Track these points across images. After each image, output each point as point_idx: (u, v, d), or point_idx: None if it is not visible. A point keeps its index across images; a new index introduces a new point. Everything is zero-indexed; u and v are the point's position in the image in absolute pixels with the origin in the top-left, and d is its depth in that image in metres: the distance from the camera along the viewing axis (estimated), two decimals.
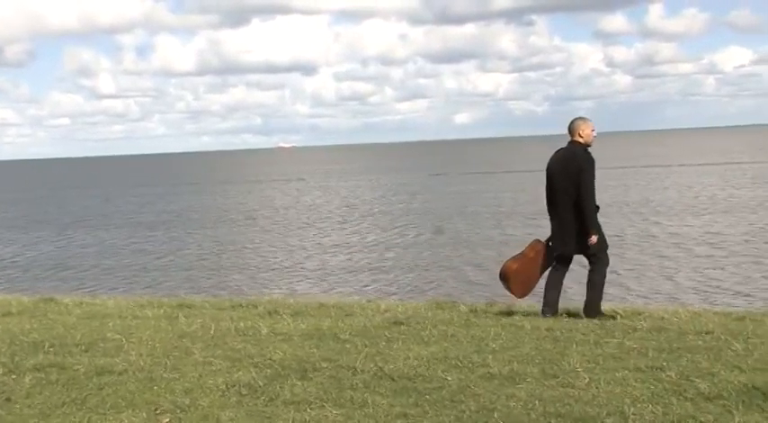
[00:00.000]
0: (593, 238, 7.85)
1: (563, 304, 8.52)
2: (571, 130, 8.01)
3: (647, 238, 24.64)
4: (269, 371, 6.21)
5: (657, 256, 21.30)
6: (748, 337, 7.06)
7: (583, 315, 8.07)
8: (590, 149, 8.17)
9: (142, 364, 6.52)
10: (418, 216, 35.05)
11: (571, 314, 8.52)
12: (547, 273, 8.26)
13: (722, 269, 19.00)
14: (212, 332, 7.76)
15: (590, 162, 7.84)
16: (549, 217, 8.19)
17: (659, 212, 31.56)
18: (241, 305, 9.68)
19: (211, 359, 6.64)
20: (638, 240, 24.15)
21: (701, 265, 19.62)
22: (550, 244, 8.13)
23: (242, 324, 8.14)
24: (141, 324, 8.37)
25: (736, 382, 5.47)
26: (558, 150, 8.17)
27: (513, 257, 8.24)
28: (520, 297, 8.38)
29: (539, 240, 8.22)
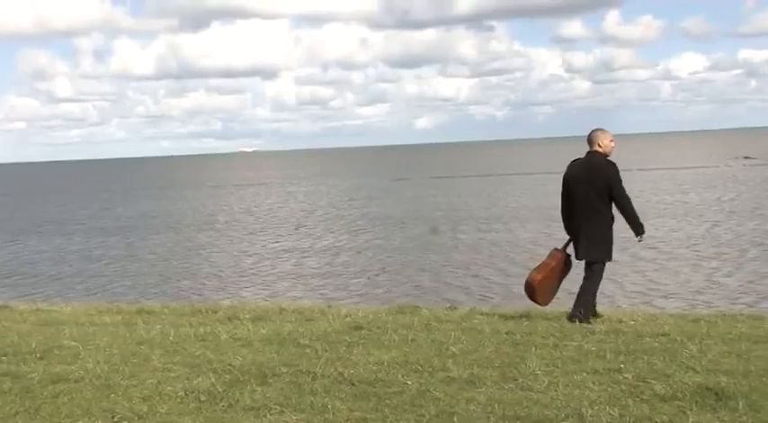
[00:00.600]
0: (640, 238, 8.07)
1: (548, 307, 8.60)
2: (590, 140, 8.16)
3: None
4: (228, 377, 6.16)
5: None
6: (702, 339, 7.19)
7: (572, 316, 8.18)
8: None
9: (99, 371, 6.42)
10: (380, 221, 35.07)
11: (531, 317, 8.60)
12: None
13: (669, 271, 19.29)
14: (171, 338, 7.68)
15: (616, 170, 8.02)
16: (565, 225, 8.35)
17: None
18: (201, 311, 9.60)
19: (170, 365, 6.57)
20: None
21: (648, 268, 19.89)
22: (569, 251, 8.30)
23: (201, 330, 8.07)
24: (99, 331, 8.25)
25: (690, 383, 5.57)
26: (576, 160, 8.31)
27: (536, 268, 8.32)
28: (544, 305, 8.51)
29: (557, 249, 8.33)
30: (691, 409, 5.10)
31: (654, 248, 22.66)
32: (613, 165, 8.07)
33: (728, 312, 9.82)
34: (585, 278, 8.27)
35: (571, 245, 8.37)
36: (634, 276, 18.74)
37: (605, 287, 17.65)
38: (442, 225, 31.66)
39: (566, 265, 8.34)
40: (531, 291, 8.30)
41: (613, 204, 8.11)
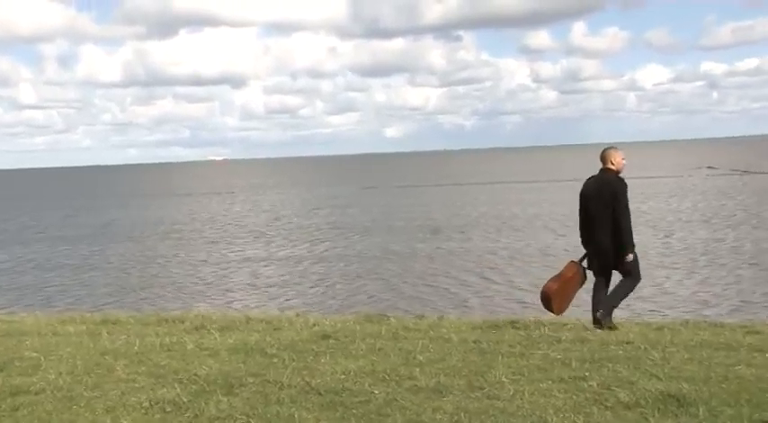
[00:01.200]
0: (630, 257, 8.40)
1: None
2: (603, 158, 8.61)
3: (565, 250, 25.21)
4: (194, 387, 6.11)
5: None
6: (666, 347, 7.30)
7: (597, 309, 8.48)
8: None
9: (61, 382, 6.32)
10: (347, 229, 35.04)
11: (498, 326, 8.65)
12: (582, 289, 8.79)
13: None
14: (136, 348, 7.60)
15: (623, 187, 8.43)
16: (582, 239, 8.70)
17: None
18: (167, 320, 9.51)
19: (135, 376, 6.49)
20: (558, 252, 24.67)
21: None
22: (584, 263, 8.63)
23: (167, 339, 7.99)
24: (62, 341, 8.13)
25: (653, 390, 5.65)
26: (591, 178, 8.71)
27: (553, 278, 8.61)
28: (558, 314, 8.73)
29: (574, 261, 8.66)
30: (653, 416, 5.16)
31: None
32: (622, 181, 8.50)
33: (692, 320, 9.97)
34: (623, 281, 8.57)
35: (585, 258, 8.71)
36: (587, 285, 18.94)
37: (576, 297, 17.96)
38: (416, 234, 31.71)
39: (581, 277, 8.66)
40: (547, 299, 8.56)
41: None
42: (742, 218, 31.86)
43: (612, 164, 8.55)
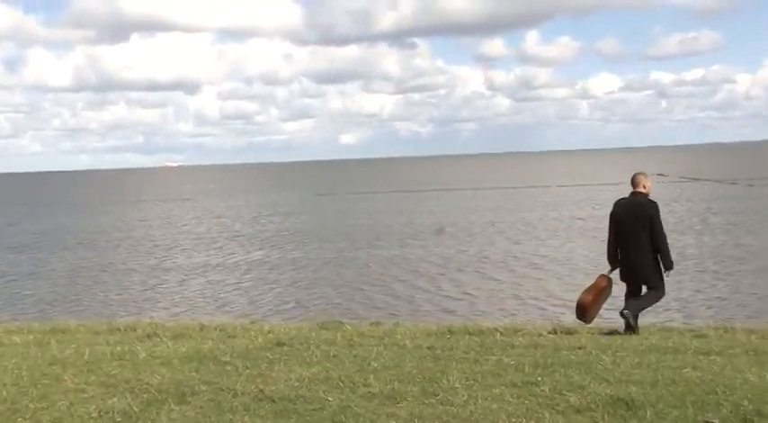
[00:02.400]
0: (667, 274, 9.08)
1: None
2: (635, 182, 9.36)
3: (515, 257, 25.46)
4: (146, 396, 6.03)
5: (513, 274, 22.03)
6: (616, 351, 7.43)
7: (625, 310, 8.91)
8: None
9: (5, 394, 6.18)
10: (304, 236, 34.91)
11: (453, 332, 8.72)
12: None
13: (567, 285, 19.76)
14: (86, 357, 7.46)
15: (657, 210, 9.15)
16: (609, 256, 9.31)
17: (529, 232, 32.69)
18: (119, 329, 9.38)
19: (84, 386, 6.38)
20: (512, 259, 24.91)
21: (550, 282, 20.38)
22: (611, 276, 9.25)
23: (119, 348, 7.88)
24: (7, 351, 7.95)
25: (603, 394, 5.74)
26: (622, 199, 9.38)
27: (586, 291, 9.21)
28: (589, 323, 9.28)
29: (604, 275, 9.28)
30: (603, 420, 5.25)
31: (559, 264, 23.28)
32: (655, 204, 9.19)
33: (641, 325, 10.15)
34: (649, 293, 9.18)
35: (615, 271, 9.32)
36: (536, 291, 19.20)
37: (510, 301, 18.16)
38: (371, 241, 31.72)
39: (610, 289, 9.27)
40: (583, 311, 9.13)
41: None
42: (690, 224, 32.53)
43: (644, 188, 9.27)
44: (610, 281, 9.24)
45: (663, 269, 9.01)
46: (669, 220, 34.95)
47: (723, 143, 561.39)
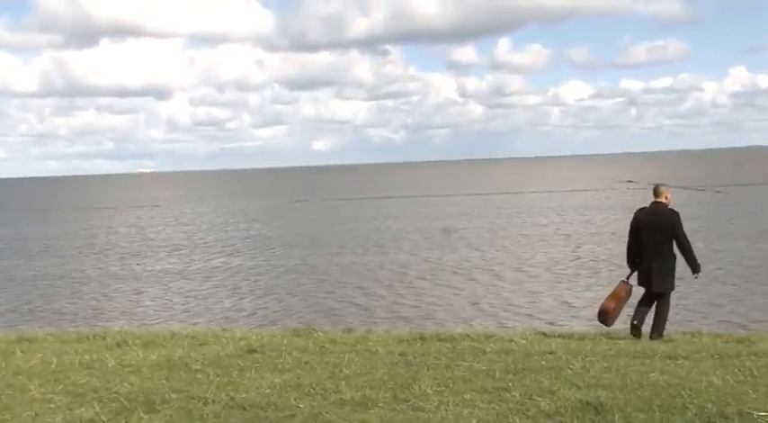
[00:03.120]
0: (696, 276, 9.59)
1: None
2: (657, 193, 9.82)
3: (483, 261, 25.59)
4: (114, 405, 5.97)
5: (471, 280, 22.16)
6: (586, 356, 7.50)
7: (651, 336, 9.32)
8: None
9: None
10: (277, 242, 34.78)
11: (425, 339, 8.74)
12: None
13: (523, 292, 19.91)
14: (53, 367, 7.37)
15: (679, 219, 9.60)
16: (629, 261, 9.80)
17: (508, 238, 32.86)
18: (87, 337, 9.28)
19: (50, 396, 6.30)
20: (480, 266, 25.03)
21: (505, 288, 20.51)
22: (630, 282, 9.74)
23: (87, 357, 7.79)
24: None
25: (573, 399, 5.80)
26: (643, 209, 9.84)
27: (609, 298, 9.76)
28: (610, 326, 9.77)
29: (624, 281, 9.80)
30: None
31: (520, 270, 23.45)
32: (677, 213, 9.65)
33: (611, 330, 10.27)
34: (661, 304, 9.63)
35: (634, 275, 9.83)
36: (490, 296, 19.32)
37: (484, 307, 18.26)
38: (344, 248, 31.69)
39: (629, 294, 9.78)
40: (606, 316, 9.65)
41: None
42: None
43: (666, 198, 9.74)
44: (630, 287, 9.74)
45: (692, 272, 9.53)
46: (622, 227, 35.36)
47: (691, 150, 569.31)
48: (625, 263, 9.95)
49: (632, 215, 9.88)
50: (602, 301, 9.86)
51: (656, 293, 9.61)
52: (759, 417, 5.30)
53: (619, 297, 9.68)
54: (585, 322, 15.83)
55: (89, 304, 20.91)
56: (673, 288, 9.70)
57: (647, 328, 9.56)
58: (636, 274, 9.75)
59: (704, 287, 19.38)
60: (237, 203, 72.96)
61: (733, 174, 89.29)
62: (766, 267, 22.06)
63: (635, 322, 9.51)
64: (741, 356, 7.38)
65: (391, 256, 28.40)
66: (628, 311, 9.95)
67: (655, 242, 9.46)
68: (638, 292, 9.80)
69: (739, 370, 6.71)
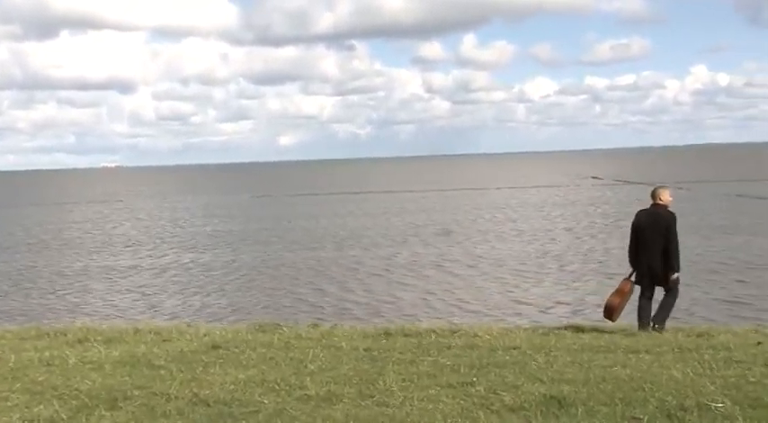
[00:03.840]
0: (675, 276, 9.90)
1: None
2: (654, 195, 10.18)
3: (439, 256, 25.72)
4: (75, 402, 5.87)
5: (452, 275, 22.27)
6: (550, 351, 7.56)
7: (652, 322, 9.70)
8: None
9: None
10: (241, 237, 34.57)
11: (390, 334, 8.75)
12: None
13: (474, 287, 20.08)
14: (11, 364, 7.24)
15: (674, 220, 9.99)
16: (631, 260, 10.17)
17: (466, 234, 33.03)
18: (48, 334, 9.12)
19: (8, 394, 6.17)
20: (437, 261, 25.14)
21: (458, 284, 20.65)
22: (632, 279, 10.14)
23: (47, 354, 7.66)
24: None
25: (536, 394, 5.84)
26: (642, 210, 10.26)
27: (613, 294, 10.11)
28: (614, 321, 10.07)
29: (627, 279, 10.17)
30: (536, 418, 5.34)
31: (472, 266, 23.64)
32: (673, 215, 10.07)
33: (575, 325, 10.37)
34: (666, 297, 9.98)
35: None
36: (443, 293, 19.44)
37: (445, 302, 18.36)
38: (309, 244, 31.60)
39: (632, 291, 10.12)
40: (611, 311, 10.00)
41: None
42: (617, 226, 33.33)
43: (662, 200, 10.09)
44: (632, 285, 10.16)
45: (670, 271, 9.83)
46: (599, 222, 35.85)
47: (654, 147, 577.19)
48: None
49: (629, 216, 10.45)
50: (607, 297, 10.24)
51: (659, 285, 10.05)
52: (716, 408, 5.40)
53: (623, 293, 10.09)
54: (553, 317, 16.01)
55: (49, 300, 20.58)
56: (677, 283, 10.04)
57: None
58: (637, 272, 10.15)
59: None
60: (201, 199, 72.36)
61: (694, 171, 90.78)
62: (718, 263, 22.44)
63: (642, 319, 9.90)
64: (701, 350, 7.50)
65: (357, 251, 28.39)
66: (626, 309, 10.23)
67: (653, 241, 9.89)
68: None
69: (699, 363, 6.82)
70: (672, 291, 9.98)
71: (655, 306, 9.96)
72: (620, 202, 48.71)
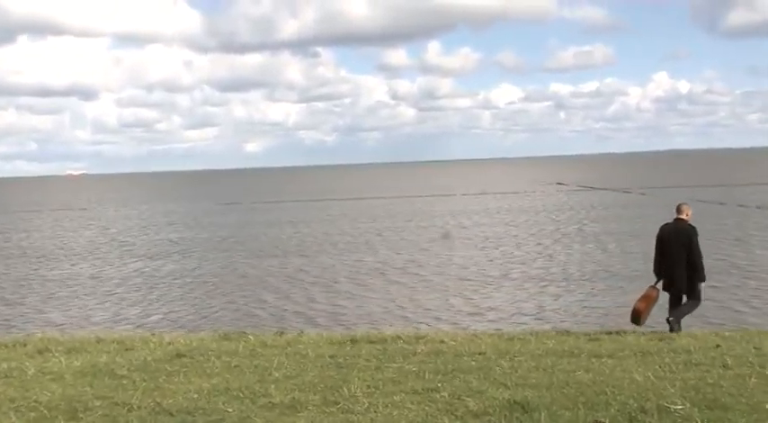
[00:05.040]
0: (702, 285, 11.03)
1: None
2: (679, 210, 11.30)
3: (408, 263, 25.78)
4: (33, 414, 5.78)
5: (421, 280, 22.34)
6: (515, 356, 7.61)
7: (670, 316, 10.78)
8: None
9: None
10: (205, 246, 34.28)
11: (356, 341, 8.73)
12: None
13: (438, 292, 20.17)
14: None
15: (696, 233, 11.05)
16: (656, 269, 11.23)
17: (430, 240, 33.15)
18: (6, 345, 8.97)
19: None
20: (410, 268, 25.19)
21: (418, 288, 20.73)
22: (657, 287, 11.15)
23: (5, 365, 7.53)
24: None
25: (500, 399, 5.88)
26: (667, 224, 11.32)
27: (640, 299, 11.10)
28: (641, 325, 10.98)
29: (652, 286, 11.17)
30: None
31: (441, 274, 23.73)
32: (695, 229, 11.14)
33: (540, 330, 10.45)
34: (689, 301, 11.03)
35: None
36: (402, 299, 19.48)
37: (408, 308, 18.41)
38: (266, 251, 31.43)
39: (657, 297, 11.12)
40: (638, 316, 10.95)
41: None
42: (595, 231, 33.69)
43: (687, 215, 11.20)
44: (658, 291, 11.13)
45: (697, 281, 10.88)
46: (564, 228, 36.21)
47: (617, 153, 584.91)
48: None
49: (657, 229, 11.45)
50: (634, 302, 11.16)
51: (683, 294, 11.02)
52: (675, 410, 5.49)
53: (649, 299, 11.04)
54: (518, 322, 16.10)
55: (11, 310, 20.19)
56: (696, 289, 11.02)
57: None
58: (663, 281, 11.13)
59: (628, 284, 19.95)
60: (166, 206, 71.65)
61: (657, 176, 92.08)
62: None
63: (670, 320, 10.80)
64: (662, 353, 7.61)
65: (316, 259, 28.29)
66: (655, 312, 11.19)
67: (677, 252, 10.94)
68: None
69: (659, 366, 6.92)
70: (694, 297, 10.96)
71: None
72: (584, 207, 49.23)
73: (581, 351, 7.87)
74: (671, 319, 10.71)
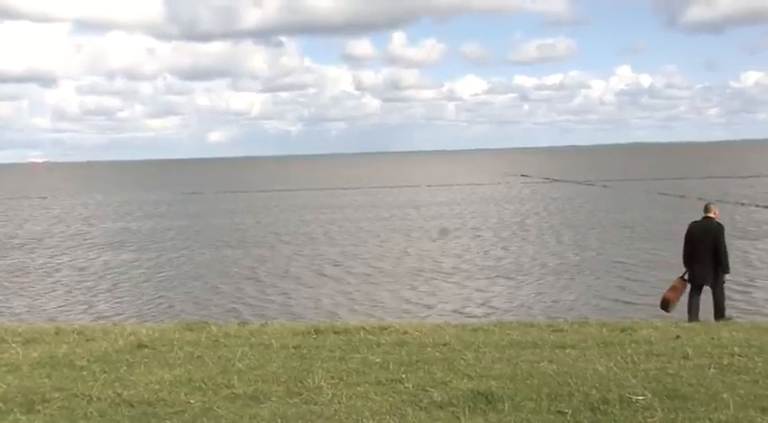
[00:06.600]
0: (725, 277, 12.34)
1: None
2: (707, 209, 12.58)
3: (364, 257, 25.82)
4: None
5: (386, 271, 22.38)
6: (479, 347, 7.63)
7: (720, 319, 11.50)
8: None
9: None
10: (167, 236, 33.94)
11: (320, 331, 8.69)
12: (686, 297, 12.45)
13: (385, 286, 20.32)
14: None
15: (722, 231, 12.30)
16: (685, 263, 12.44)
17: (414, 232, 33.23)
18: None
19: None
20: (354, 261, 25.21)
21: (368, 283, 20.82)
22: (685, 278, 12.39)
23: None
24: None
25: (465, 390, 5.89)
26: (695, 222, 12.53)
27: (669, 289, 12.46)
28: (670, 312, 12.14)
29: (680, 278, 12.43)
30: (464, 414, 5.38)
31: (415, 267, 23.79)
32: (722, 227, 12.39)
33: (504, 321, 10.49)
34: (715, 295, 12.18)
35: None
36: (359, 292, 19.54)
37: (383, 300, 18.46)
38: (228, 241, 31.21)
39: (684, 288, 12.36)
40: (667, 304, 12.30)
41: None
42: (562, 222, 33.99)
43: (714, 214, 12.42)
44: (685, 283, 12.33)
45: (721, 272, 12.11)
46: (529, 220, 36.50)
47: (580, 146, 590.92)
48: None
49: (686, 226, 12.61)
50: (664, 292, 12.50)
51: (709, 287, 12.12)
52: (637, 400, 5.55)
53: (677, 289, 12.29)
54: (482, 313, 16.20)
55: None
56: (720, 280, 12.20)
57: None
58: (689, 273, 12.24)
59: (587, 276, 20.18)
60: (127, 195, 70.76)
61: (619, 169, 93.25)
62: (623, 260, 23.09)
63: (692, 312, 11.97)
64: (624, 344, 7.68)
65: (279, 249, 28.18)
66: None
67: (704, 248, 12.11)
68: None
69: (622, 357, 6.99)
70: (719, 288, 12.10)
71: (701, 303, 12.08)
72: (548, 199, 49.67)
73: (545, 342, 7.92)
74: (726, 315, 11.81)
